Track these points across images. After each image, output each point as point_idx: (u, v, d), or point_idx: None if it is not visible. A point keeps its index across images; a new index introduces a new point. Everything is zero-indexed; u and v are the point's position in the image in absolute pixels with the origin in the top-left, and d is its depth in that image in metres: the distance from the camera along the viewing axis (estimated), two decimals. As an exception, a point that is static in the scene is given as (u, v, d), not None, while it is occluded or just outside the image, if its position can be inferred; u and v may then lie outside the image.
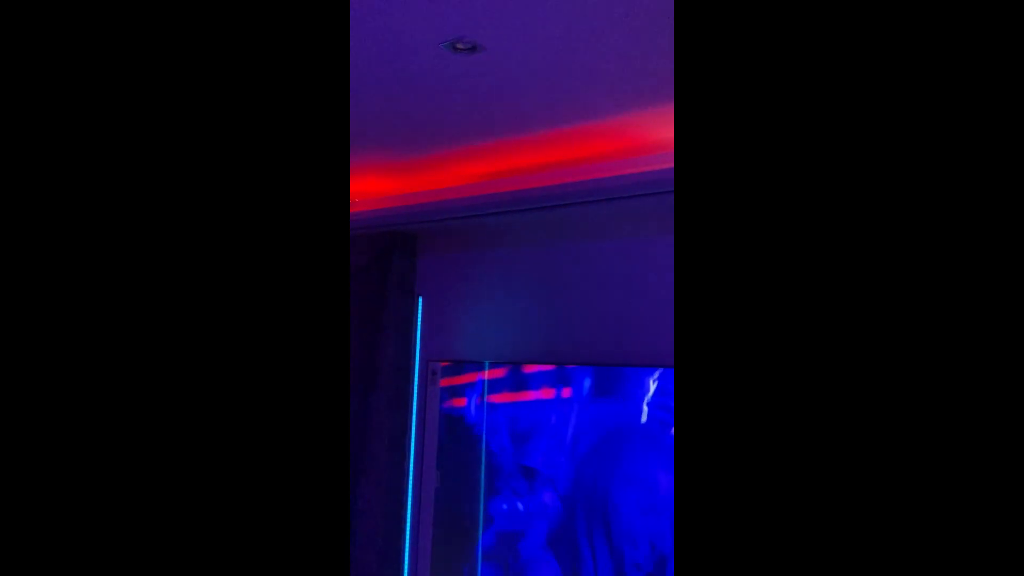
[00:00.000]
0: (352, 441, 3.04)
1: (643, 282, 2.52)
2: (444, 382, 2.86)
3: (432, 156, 2.54)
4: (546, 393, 2.56)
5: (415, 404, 3.06)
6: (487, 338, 2.91)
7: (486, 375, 2.73)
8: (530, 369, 2.62)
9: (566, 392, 2.51)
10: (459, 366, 2.84)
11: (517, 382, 2.65)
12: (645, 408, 2.33)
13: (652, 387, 2.32)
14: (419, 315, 3.11)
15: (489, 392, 2.72)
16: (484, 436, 2.73)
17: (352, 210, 2.99)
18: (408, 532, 3.01)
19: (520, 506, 2.62)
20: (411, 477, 3.03)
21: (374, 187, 2.96)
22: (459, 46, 1.65)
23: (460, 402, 2.81)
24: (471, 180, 2.74)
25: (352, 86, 1.89)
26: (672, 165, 2.15)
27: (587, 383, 2.47)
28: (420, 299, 3.11)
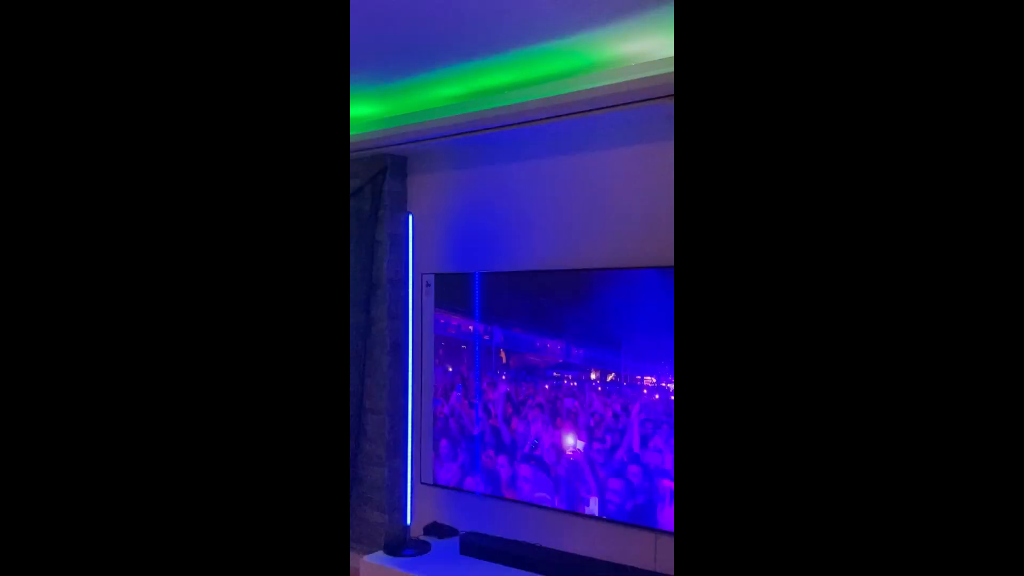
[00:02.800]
0: (358, 348, 3.33)
1: (619, 191, 2.78)
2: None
3: (418, 79, 2.75)
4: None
5: (411, 312, 3.35)
6: (474, 250, 3.19)
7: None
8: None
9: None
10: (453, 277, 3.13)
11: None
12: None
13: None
14: (410, 231, 3.38)
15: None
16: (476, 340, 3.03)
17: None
18: (411, 426, 3.34)
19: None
20: (410, 377, 3.34)
21: (364, 112, 3.18)
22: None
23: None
24: (458, 100, 2.96)
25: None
26: (642, 76, 2.40)
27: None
28: (411, 216, 3.37)
